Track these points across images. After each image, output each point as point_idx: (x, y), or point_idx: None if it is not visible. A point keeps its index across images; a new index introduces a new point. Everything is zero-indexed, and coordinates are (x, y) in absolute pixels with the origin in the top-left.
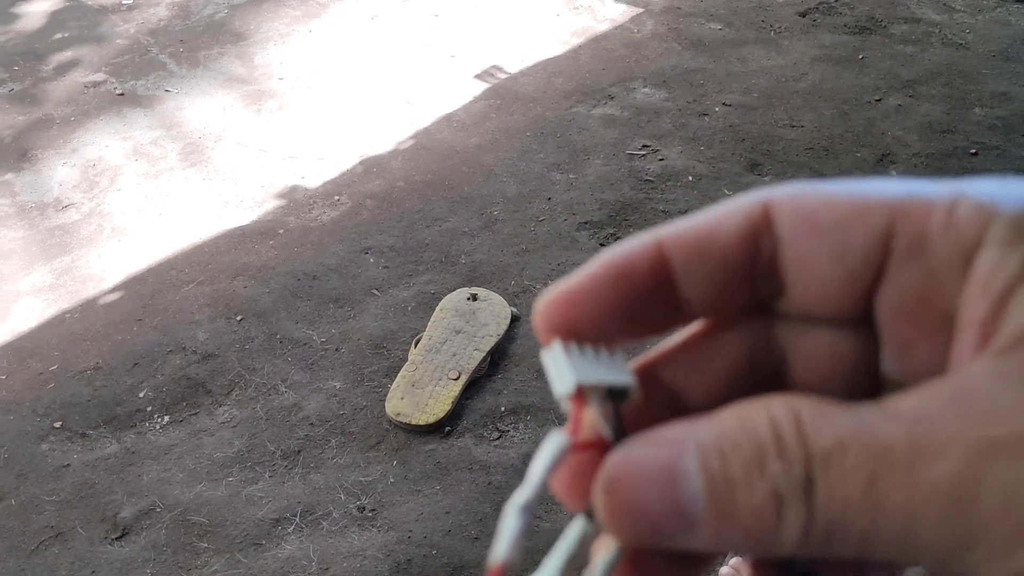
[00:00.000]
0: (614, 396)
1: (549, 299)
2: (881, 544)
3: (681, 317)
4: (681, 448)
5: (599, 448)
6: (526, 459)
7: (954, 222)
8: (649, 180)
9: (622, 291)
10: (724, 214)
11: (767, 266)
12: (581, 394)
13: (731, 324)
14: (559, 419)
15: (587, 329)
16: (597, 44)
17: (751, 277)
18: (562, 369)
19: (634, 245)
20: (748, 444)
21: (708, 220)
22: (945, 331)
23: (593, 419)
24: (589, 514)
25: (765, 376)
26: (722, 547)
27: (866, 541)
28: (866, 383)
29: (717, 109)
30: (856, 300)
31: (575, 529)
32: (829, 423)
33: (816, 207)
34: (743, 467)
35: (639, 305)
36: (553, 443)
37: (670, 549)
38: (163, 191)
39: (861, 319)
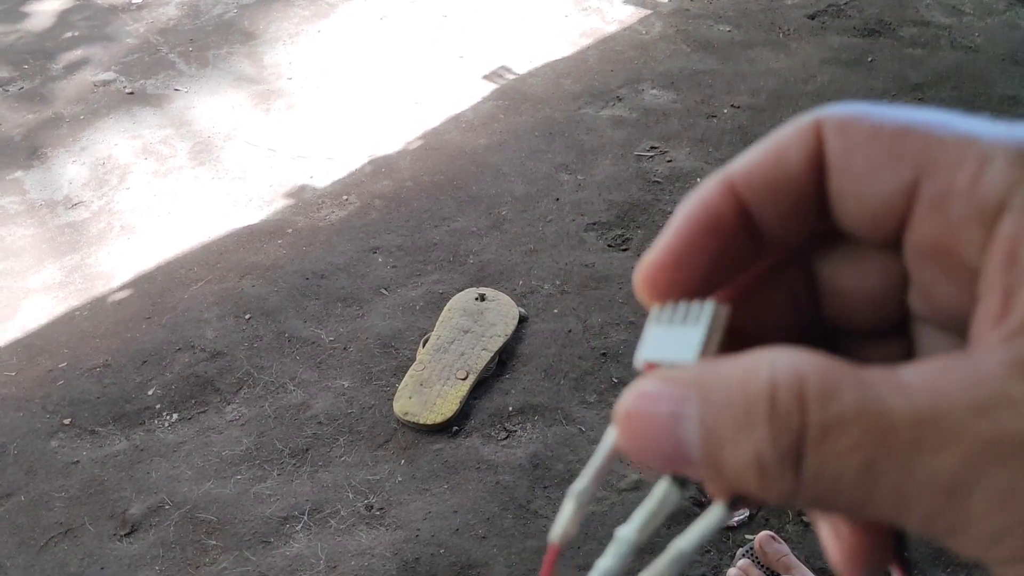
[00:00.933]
0: None
1: (643, 269)
2: (870, 515)
3: (763, 251)
4: (686, 391)
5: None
6: (534, 459)
7: (980, 180)
8: (657, 181)
9: (709, 244)
10: (785, 142)
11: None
12: (651, 368)
13: (776, 263)
14: (566, 419)
15: (683, 289)
16: (605, 45)
17: (818, 200)
18: (648, 337)
19: (708, 193)
20: (741, 403)
21: (772, 151)
22: (966, 279)
23: None
24: (674, 479)
25: (806, 310)
26: (726, 489)
27: (855, 511)
28: (895, 314)
29: (725, 111)
30: (886, 236)
31: (660, 488)
32: (835, 392)
33: (856, 139)
34: (732, 425)
35: (727, 252)
36: (612, 433)
37: (686, 478)
38: (172, 190)
39: (894, 253)
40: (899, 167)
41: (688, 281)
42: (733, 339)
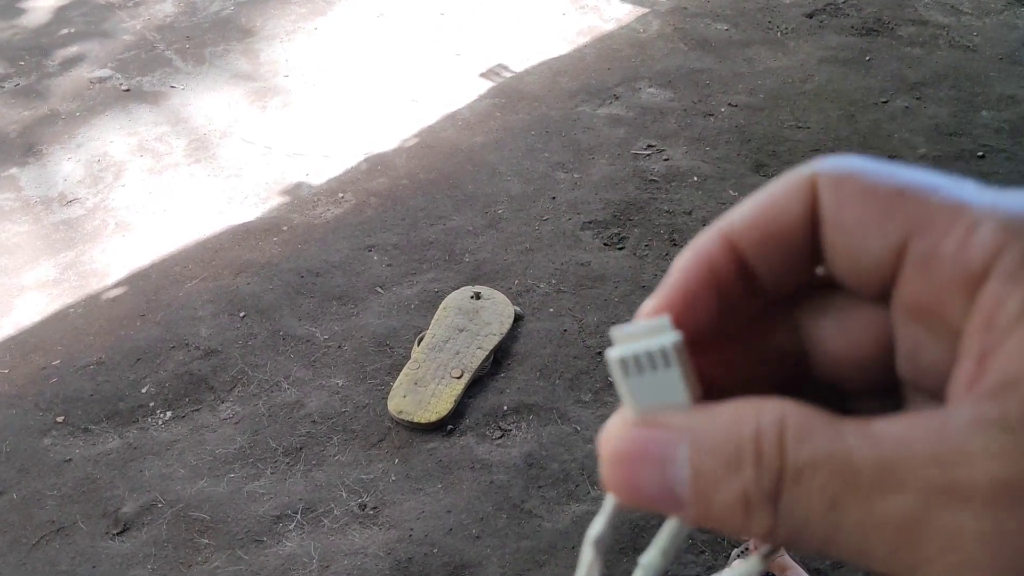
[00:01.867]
0: None
1: (641, 310)
2: (838, 554)
3: (758, 300)
4: (677, 437)
5: None
6: (528, 458)
7: (967, 245)
8: (654, 180)
9: (709, 297)
10: (781, 197)
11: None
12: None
13: (761, 317)
14: (561, 418)
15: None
16: (603, 44)
17: (813, 252)
18: (633, 391)
19: (705, 246)
20: (731, 445)
21: (767, 205)
22: (950, 341)
23: None
24: None
25: (790, 365)
26: (710, 526)
27: (824, 550)
28: (885, 377)
29: (723, 109)
30: (877, 291)
31: (670, 523)
32: (810, 438)
33: (850, 197)
34: (723, 466)
35: (725, 303)
36: None
37: (676, 515)
38: (168, 187)
39: (883, 312)
40: (890, 226)
41: (686, 329)
42: (721, 390)
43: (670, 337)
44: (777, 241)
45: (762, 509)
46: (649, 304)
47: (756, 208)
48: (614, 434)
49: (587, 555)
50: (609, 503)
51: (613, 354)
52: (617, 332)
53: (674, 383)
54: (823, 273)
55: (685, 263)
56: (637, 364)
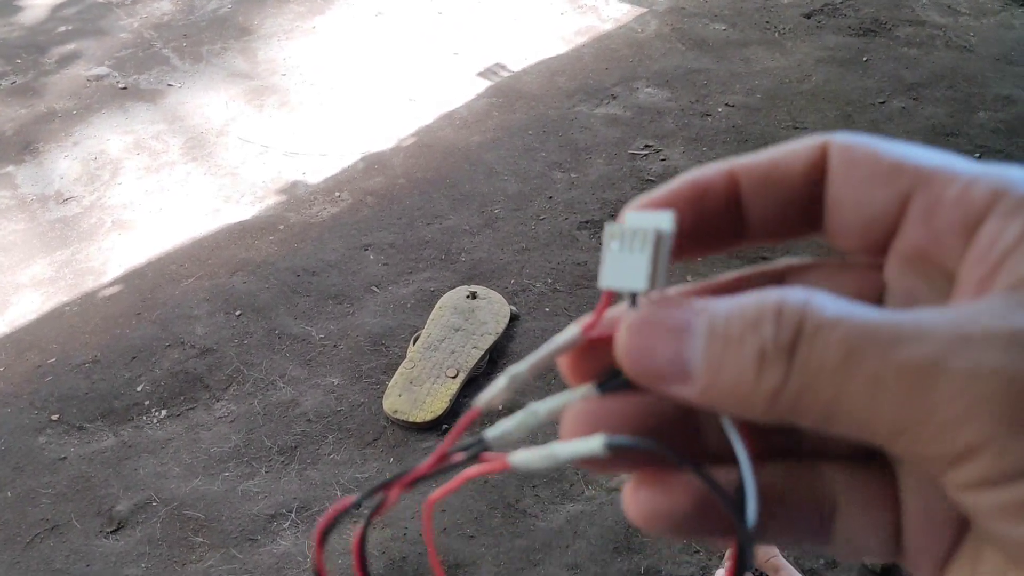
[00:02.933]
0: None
1: (635, 203)
2: (842, 415)
3: (742, 239)
4: (697, 312)
5: (608, 345)
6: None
7: (967, 194)
8: (651, 180)
9: (696, 208)
10: (791, 150)
11: (818, 200)
12: (609, 295)
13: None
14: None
15: None
16: (600, 43)
17: (809, 209)
18: (605, 264)
19: (710, 169)
20: (753, 310)
21: (777, 154)
22: (946, 287)
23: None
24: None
25: None
26: (708, 403)
27: (829, 411)
28: None
29: (720, 110)
30: (875, 243)
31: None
32: (834, 304)
33: (860, 158)
34: (741, 328)
35: (709, 223)
36: (567, 333)
37: (668, 396)
38: (164, 185)
39: (873, 273)
40: (896, 181)
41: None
42: None
43: (660, 224)
44: (776, 186)
45: (775, 364)
46: (642, 198)
47: (766, 156)
48: (638, 313)
49: (500, 382)
50: (545, 349)
51: (610, 225)
52: (628, 212)
53: (640, 268)
54: (815, 230)
55: (684, 179)
56: (622, 239)
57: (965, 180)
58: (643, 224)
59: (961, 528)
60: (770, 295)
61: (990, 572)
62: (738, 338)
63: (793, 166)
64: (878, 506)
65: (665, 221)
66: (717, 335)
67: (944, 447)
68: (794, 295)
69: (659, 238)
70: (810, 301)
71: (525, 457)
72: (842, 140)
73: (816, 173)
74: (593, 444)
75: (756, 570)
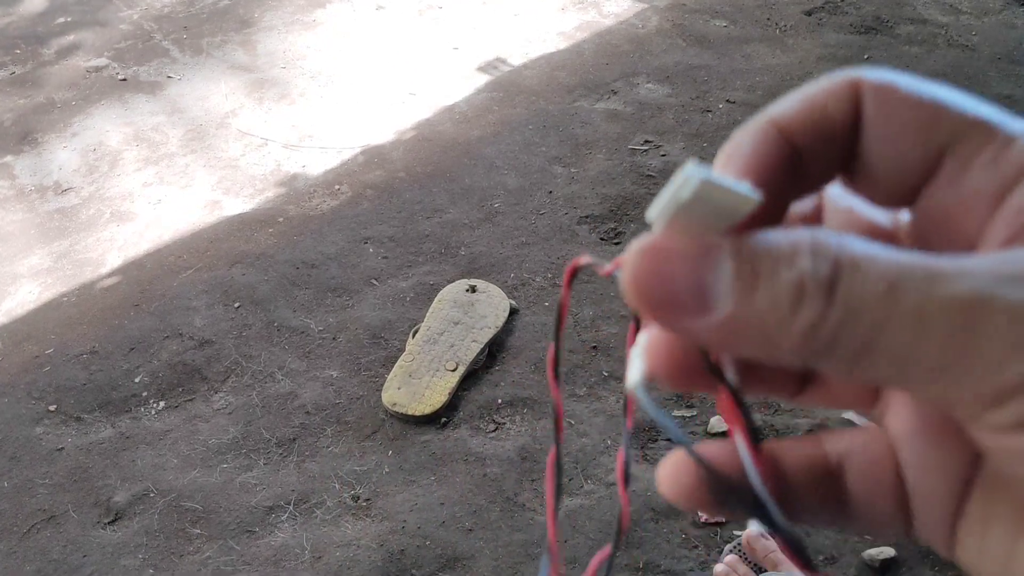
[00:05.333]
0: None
1: (722, 160)
2: (881, 353)
3: (800, 189)
4: (719, 244)
5: None
6: (522, 451)
7: (1000, 158)
8: (651, 175)
9: (767, 175)
10: (823, 96)
11: (852, 145)
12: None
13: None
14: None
15: None
16: (601, 39)
17: (844, 155)
18: (659, 196)
19: (760, 128)
20: (786, 244)
21: (811, 102)
22: (966, 251)
23: None
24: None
25: None
26: (726, 341)
27: (867, 349)
28: None
29: (720, 106)
30: (903, 198)
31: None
32: (867, 244)
33: (897, 103)
34: (774, 260)
35: (777, 185)
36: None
37: (678, 333)
38: (163, 177)
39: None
40: (929, 137)
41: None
42: None
43: (749, 191)
44: (824, 135)
45: (815, 297)
46: (722, 165)
47: (804, 102)
48: (651, 235)
49: (640, 397)
50: (640, 343)
51: (696, 169)
52: (716, 171)
53: (718, 224)
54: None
55: (746, 142)
56: (708, 189)
57: (1000, 141)
58: (732, 184)
59: (966, 493)
60: (800, 232)
61: (1000, 536)
62: (771, 270)
63: (836, 111)
64: (882, 477)
65: (749, 190)
66: (747, 264)
67: (985, 385)
68: (826, 233)
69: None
70: (844, 238)
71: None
72: (876, 80)
73: (854, 118)
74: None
75: (755, 565)
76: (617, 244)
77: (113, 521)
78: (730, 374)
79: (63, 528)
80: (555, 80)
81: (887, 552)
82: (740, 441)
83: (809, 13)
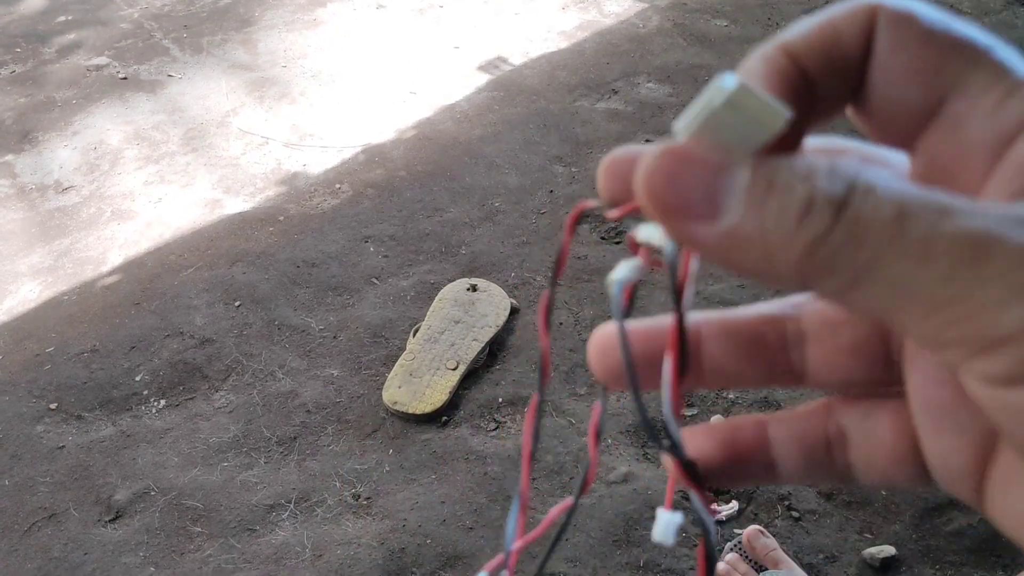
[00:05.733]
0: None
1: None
2: (879, 280)
3: (814, 120)
4: (736, 157)
5: None
6: (522, 450)
7: (1004, 106)
8: None
9: (786, 82)
10: (839, 22)
11: (863, 76)
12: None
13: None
14: (555, 411)
15: None
16: (602, 38)
17: (855, 86)
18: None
19: (771, 54)
20: (804, 165)
21: (826, 27)
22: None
23: None
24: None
25: None
26: (728, 252)
27: (865, 273)
28: None
29: None
30: (904, 139)
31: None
32: (885, 173)
33: (910, 38)
34: (790, 175)
35: (798, 96)
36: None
37: (682, 239)
38: (164, 176)
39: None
40: (934, 76)
41: None
42: None
43: (782, 106)
44: (835, 62)
45: (822, 212)
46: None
47: (818, 27)
48: (675, 140)
49: (612, 293)
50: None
51: (733, 77)
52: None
53: (750, 140)
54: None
55: (757, 67)
56: (743, 97)
57: (1005, 87)
58: (765, 97)
59: (989, 439)
60: (820, 158)
61: (1020, 495)
62: (785, 185)
63: (849, 38)
64: (889, 429)
65: (779, 112)
66: (762, 177)
67: (979, 329)
68: (846, 161)
69: (783, 121)
70: (863, 166)
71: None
72: (893, 8)
73: (865, 45)
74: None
75: (756, 563)
76: (618, 243)
77: (114, 519)
78: (688, 300)
79: (64, 526)
80: (556, 79)
81: (887, 551)
82: (667, 368)
83: (810, 12)
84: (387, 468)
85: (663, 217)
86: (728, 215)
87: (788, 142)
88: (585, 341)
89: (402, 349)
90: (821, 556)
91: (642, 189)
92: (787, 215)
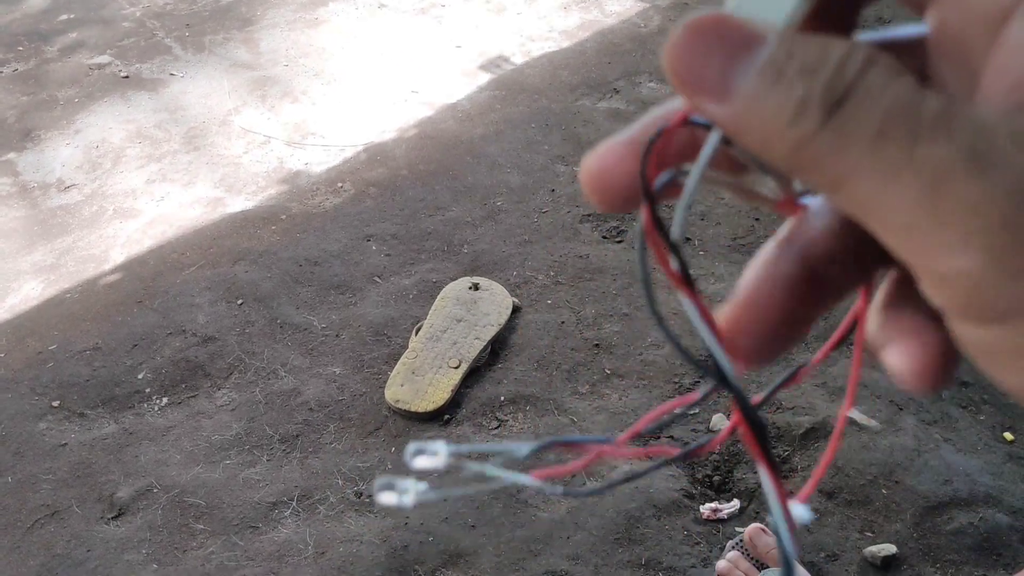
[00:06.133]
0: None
1: None
2: (853, 194)
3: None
4: (766, 40)
5: None
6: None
7: None
8: None
9: None
10: None
11: None
12: None
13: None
14: (557, 409)
15: None
16: (604, 38)
17: None
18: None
19: None
20: (819, 50)
21: None
22: (969, 78)
23: None
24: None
25: None
26: (732, 131)
27: (842, 184)
28: None
29: None
30: (918, 7)
31: (710, 144)
32: (890, 71)
33: None
34: (797, 69)
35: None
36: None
37: (695, 109)
38: (166, 174)
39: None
40: None
41: None
42: None
43: None
44: None
45: (814, 116)
46: None
47: None
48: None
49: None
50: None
51: None
52: None
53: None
54: None
55: None
56: None
57: None
58: None
59: None
60: (840, 43)
61: None
62: (790, 78)
63: None
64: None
65: None
66: (771, 68)
67: (931, 262)
68: (863, 51)
69: None
70: (875, 62)
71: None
72: None
73: None
74: None
75: (757, 561)
76: (619, 242)
77: (116, 516)
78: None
79: (67, 523)
80: (557, 79)
81: (888, 549)
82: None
83: None
84: (389, 466)
85: (679, 90)
86: (735, 99)
87: (836, 23)
88: (587, 339)
89: (404, 347)
90: (822, 554)
91: (666, 61)
92: (784, 110)
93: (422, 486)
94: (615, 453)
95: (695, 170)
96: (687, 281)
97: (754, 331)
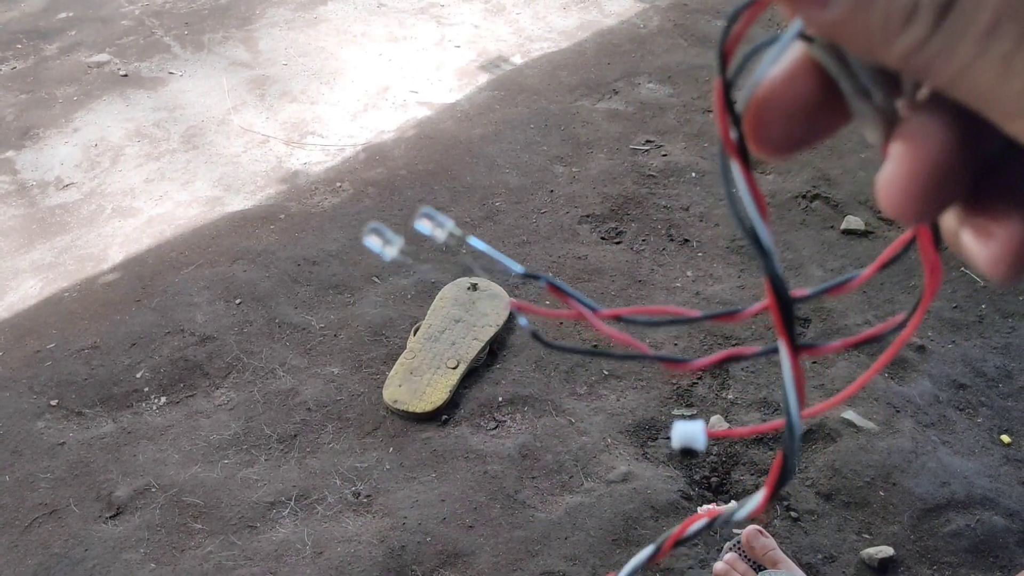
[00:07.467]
0: None
1: None
2: (969, 87)
3: None
4: None
5: None
6: (522, 449)
7: None
8: (652, 175)
9: None
10: None
11: None
12: None
13: None
14: (555, 410)
15: None
16: (603, 38)
17: None
18: None
19: None
20: None
21: None
22: None
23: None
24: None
25: None
26: (837, 36)
27: (958, 80)
28: None
29: None
30: None
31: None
32: None
33: None
34: None
35: None
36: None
37: (798, 16)
38: (164, 173)
39: None
40: None
41: None
42: None
43: None
44: None
45: (925, 19)
46: None
47: None
48: None
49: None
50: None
51: None
52: None
53: None
54: None
55: None
56: None
57: None
58: None
59: None
60: None
61: None
62: None
63: None
64: None
65: None
66: None
67: None
68: None
69: None
70: None
71: None
72: None
73: None
74: None
75: (754, 562)
76: (618, 244)
77: (114, 515)
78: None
79: (64, 522)
80: (556, 79)
81: (885, 551)
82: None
83: None
84: (387, 466)
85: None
86: (836, 5)
87: None
88: (585, 341)
89: (402, 348)
90: (819, 556)
91: None
92: (891, 18)
93: (456, 228)
94: (593, 323)
95: (776, 47)
96: (742, 151)
97: (782, 109)
